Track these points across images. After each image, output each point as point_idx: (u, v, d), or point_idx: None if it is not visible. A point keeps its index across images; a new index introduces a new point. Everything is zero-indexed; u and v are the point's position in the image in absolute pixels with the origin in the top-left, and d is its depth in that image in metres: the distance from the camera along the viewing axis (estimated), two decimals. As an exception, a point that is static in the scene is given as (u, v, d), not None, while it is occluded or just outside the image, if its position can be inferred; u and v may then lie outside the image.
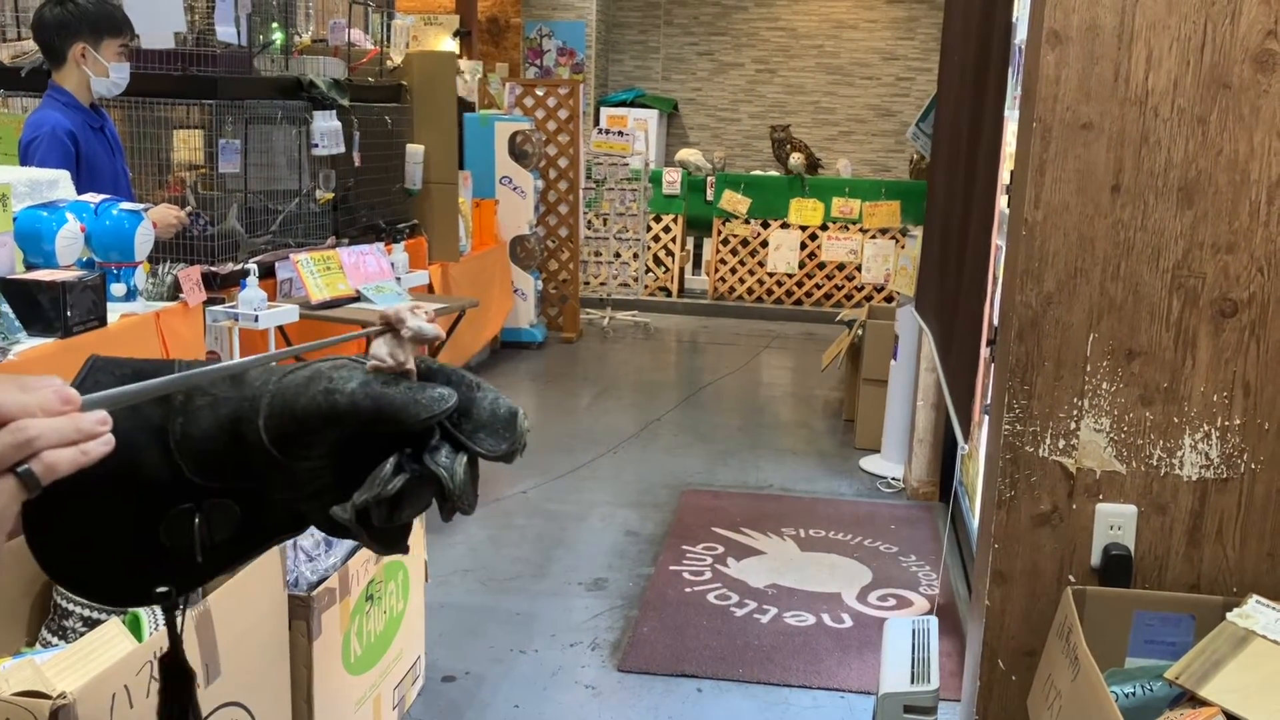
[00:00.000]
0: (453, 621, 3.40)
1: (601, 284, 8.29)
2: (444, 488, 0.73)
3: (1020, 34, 3.57)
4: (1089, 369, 2.04)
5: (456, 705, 2.97)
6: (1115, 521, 2.06)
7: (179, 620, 0.80)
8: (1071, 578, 2.10)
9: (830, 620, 3.48)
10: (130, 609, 1.54)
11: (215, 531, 0.74)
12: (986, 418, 3.28)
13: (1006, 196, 2.97)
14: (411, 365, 0.77)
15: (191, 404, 0.72)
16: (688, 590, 3.68)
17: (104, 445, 0.63)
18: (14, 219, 2.54)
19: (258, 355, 0.75)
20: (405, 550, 0.83)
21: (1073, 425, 2.06)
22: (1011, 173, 2.65)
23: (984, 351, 3.07)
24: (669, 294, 8.89)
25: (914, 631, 2.55)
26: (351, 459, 0.72)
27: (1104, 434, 2.05)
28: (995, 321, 3.00)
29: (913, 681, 2.34)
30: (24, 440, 0.60)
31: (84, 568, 0.75)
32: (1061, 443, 2.07)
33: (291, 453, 0.72)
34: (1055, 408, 2.05)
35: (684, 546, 4.04)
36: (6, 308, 2.34)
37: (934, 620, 2.60)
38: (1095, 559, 2.08)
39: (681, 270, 9.03)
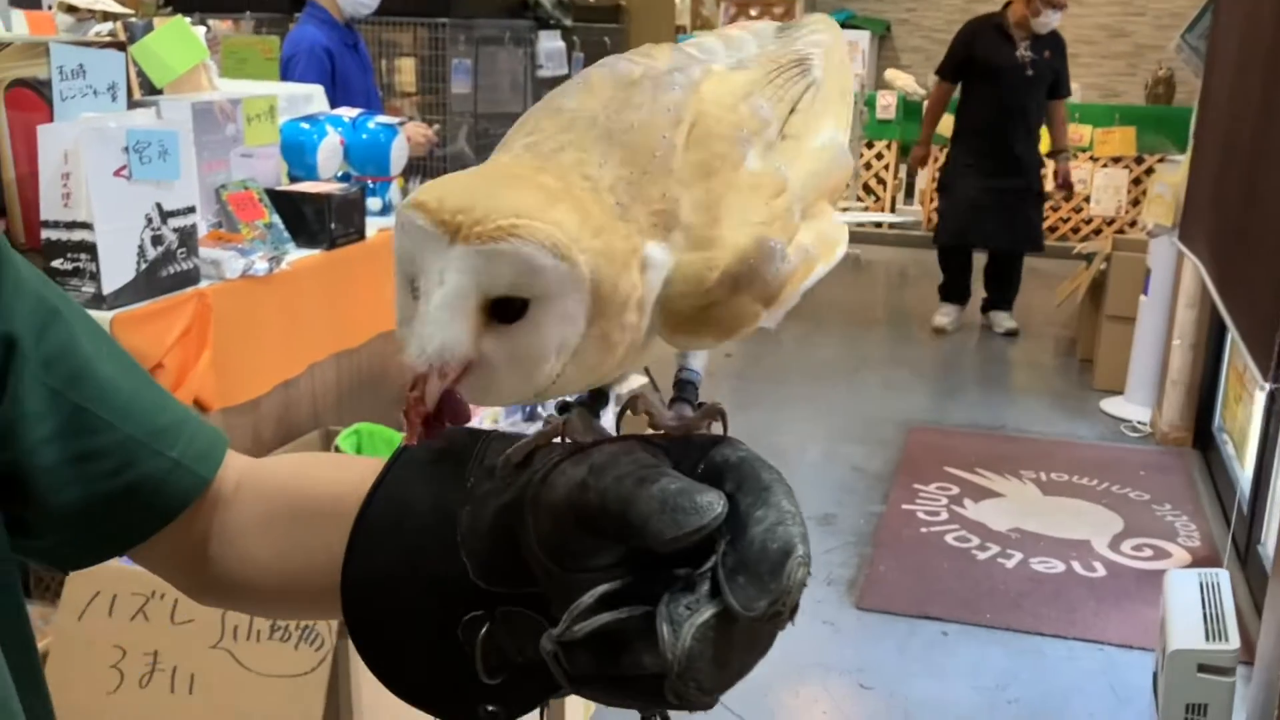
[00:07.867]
0: (683, 548, 3.36)
1: (809, 213, 8.07)
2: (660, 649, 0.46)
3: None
4: None
5: (693, 633, 2.92)
6: None
7: None
8: None
9: (1081, 568, 3.27)
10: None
11: (512, 647, 0.54)
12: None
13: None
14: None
15: (479, 488, 0.54)
16: (923, 530, 3.53)
17: None
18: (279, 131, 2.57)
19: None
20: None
21: None
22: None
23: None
24: (879, 225, 8.58)
25: (1202, 585, 2.34)
26: (651, 573, 0.49)
27: None
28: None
29: (1207, 639, 2.15)
30: None
31: (407, 673, 0.58)
32: None
33: (563, 561, 0.51)
34: None
35: (915, 485, 3.88)
36: (276, 218, 2.37)
37: (1225, 574, 2.38)
38: None
39: (893, 199, 8.70)
